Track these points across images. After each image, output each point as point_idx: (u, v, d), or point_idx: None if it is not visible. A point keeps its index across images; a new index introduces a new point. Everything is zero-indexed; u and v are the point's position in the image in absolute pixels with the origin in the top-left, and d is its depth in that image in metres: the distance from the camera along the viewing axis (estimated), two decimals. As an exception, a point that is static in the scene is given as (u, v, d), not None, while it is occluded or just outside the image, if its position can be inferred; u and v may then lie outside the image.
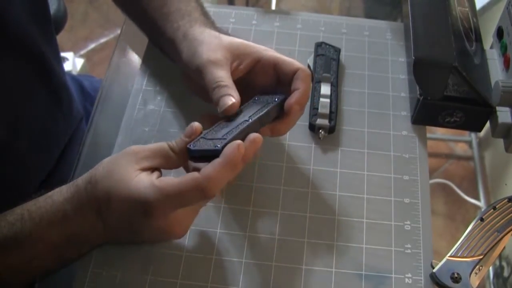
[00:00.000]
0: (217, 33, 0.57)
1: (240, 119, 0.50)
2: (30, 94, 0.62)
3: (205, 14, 0.61)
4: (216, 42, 0.55)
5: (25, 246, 0.48)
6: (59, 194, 0.49)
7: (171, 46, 0.59)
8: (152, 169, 0.48)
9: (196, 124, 0.49)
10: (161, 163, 0.49)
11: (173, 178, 0.46)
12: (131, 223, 0.48)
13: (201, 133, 0.49)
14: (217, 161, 0.45)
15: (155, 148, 0.49)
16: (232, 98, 0.51)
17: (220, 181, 0.46)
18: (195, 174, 0.45)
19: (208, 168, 0.45)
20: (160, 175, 0.49)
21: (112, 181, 0.47)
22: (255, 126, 0.50)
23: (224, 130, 0.49)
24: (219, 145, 0.46)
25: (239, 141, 0.46)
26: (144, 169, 0.48)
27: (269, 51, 0.55)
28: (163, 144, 0.49)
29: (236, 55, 0.55)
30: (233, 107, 0.51)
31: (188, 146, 0.47)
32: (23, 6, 0.58)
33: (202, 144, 0.47)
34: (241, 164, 0.47)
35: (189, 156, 0.48)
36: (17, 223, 0.48)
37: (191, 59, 0.55)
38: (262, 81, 0.56)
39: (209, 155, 0.46)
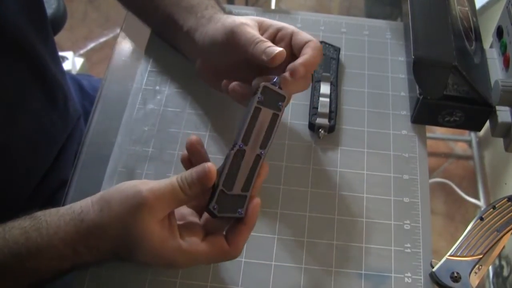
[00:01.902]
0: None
1: (252, 150, 0.49)
2: (24, 93, 0.62)
3: (223, 9, 0.63)
4: (243, 16, 0.57)
5: (33, 274, 0.48)
6: (65, 232, 0.46)
7: (190, 37, 0.60)
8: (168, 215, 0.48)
9: (209, 166, 0.46)
10: (176, 206, 0.48)
11: (202, 241, 0.47)
12: (151, 265, 0.50)
13: (217, 174, 0.47)
14: (243, 230, 0.47)
15: (168, 195, 0.46)
16: (276, 48, 0.52)
17: (244, 243, 0.48)
18: (223, 244, 0.47)
19: (237, 238, 0.47)
20: (174, 215, 0.48)
21: (133, 238, 0.45)
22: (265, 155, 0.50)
23: (240, 175, 0.48)
24: (241, 211, 0.47)
25: (257, 202, 0.48)
26: (162, 221, 0.46)
27: (289, 25, 0.57)
28: (175, 188, 0.46)
29: (261, 26, 0.57)
30: (282, 55, 0.52)
31: (211, 208, 0.47)
32: (17, 6, 0.58)
33: (224, 205, 0.47)
34: None
35: (210, 215, 0.48)
36: (22, 255, 0.46)
37: (220, 30, 0.56)
38: None
39: (232, 218, 0.48)
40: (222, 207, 0.47)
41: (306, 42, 0.54)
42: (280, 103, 0.52)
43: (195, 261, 0.47)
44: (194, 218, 0.50)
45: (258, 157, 0.49)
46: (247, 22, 0.55)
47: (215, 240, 0.47)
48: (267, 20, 0.57)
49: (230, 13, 0.61)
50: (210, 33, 0.57)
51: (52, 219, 0.47)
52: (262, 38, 0.54)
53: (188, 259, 0.47)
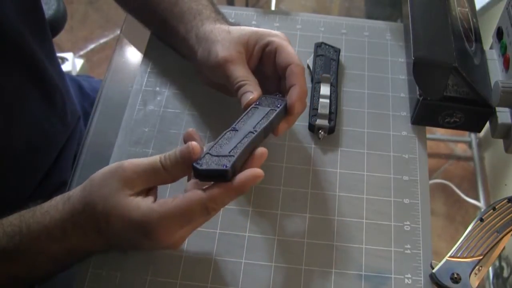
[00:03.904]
0: (226, 27, 0.58)
1: (245, 129, 0.49)
2: (22, 95, 0.62)
3: (216, 10, 0.62)
4: (227, 38, 0.56)
5: (25, 259, 0.48)
6: (56, 210, 0.47)
7: (185, 46, 0.60)
8: (146, 191, 0.48)
9: (193, 145, 0.46)
10: (155, 183, 0.48)
11: (174, 199, 0.45)
12: (135, 243, 0.49)
13: (202, 149, 0.47)
14: (228, 186, 0.45)
15: (148, 170, 0.46)
16: (249, 94, 0.53)
17: (225, 202, 0.46)
18: (199, 192, 0.45)
19: (214, 190, 0.45)
20: (155, 194, 0.48)
21: (109, 206, 0.46)
22: (260, 137, 0.50)
23: (230, 143, 0.48)
24: (227, 165, 0.45)
25: (257, 172, 0.45)
26: (139, 193, 0.47)
27: (276, 36, 0.56)
28: (156, 164, 0.46)
29: (247, 46, 0.56)
30: (252, 101, 0.53)
31: (194, 164, 0.45)
32: (13, 8, 0.57)
33: (209, 163, 0.45)
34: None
35: (195, 174, 0.46)
36: (15, 236, 0.47)
37: (206, 59, 0.56)
38: (270, 68, 0.56)
39: (217, 175, 0.45)
40: (206, 163, 0.45)
41: (287, 66, 0.54)
42: (279, 105, 0.52)
43: (171, 220, 0.45)
44: None
45: (251, 134, 0.49)
46: (230, 57, 0.54)
47: (189, 194, 0.45)
48: (254, 35, 0.56)
49: (223, 18, 0.61)
50: (199, 55, 0.58)
51: (46, 202, 0.49)
52: (241, 82, 0.53)
53: (162, 219, 0.45)
